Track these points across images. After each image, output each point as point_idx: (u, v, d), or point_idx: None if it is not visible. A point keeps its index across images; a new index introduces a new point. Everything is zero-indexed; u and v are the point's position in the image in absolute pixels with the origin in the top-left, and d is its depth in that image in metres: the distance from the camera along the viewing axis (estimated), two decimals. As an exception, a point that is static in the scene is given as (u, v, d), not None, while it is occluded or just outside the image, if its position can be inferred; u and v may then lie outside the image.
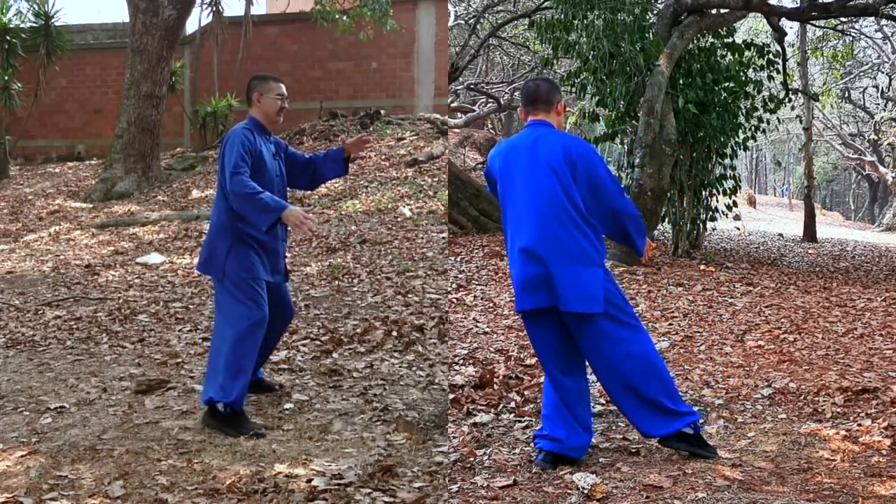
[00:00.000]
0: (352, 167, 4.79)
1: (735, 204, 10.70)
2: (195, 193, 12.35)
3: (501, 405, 4.22)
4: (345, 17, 15.25)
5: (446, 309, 6.26)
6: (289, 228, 4.04)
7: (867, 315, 6.75)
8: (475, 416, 4.04)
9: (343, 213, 10.10)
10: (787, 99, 11.66)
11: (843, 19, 14.23)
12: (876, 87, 25.93)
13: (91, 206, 12.37)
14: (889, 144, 28.57)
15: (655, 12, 10.73)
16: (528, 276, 3.38)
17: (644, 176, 9.38)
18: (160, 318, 6.19)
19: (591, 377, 3.68)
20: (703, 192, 10.56)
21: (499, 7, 17.51)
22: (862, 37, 20.97)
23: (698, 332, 6.12)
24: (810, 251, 14.73)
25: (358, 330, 5.51)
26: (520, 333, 5.66)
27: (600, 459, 3.47)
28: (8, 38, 15.36)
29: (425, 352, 5.04)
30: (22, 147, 17.28)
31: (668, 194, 10.03)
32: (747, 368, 5.05)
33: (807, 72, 17.49)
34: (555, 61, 11.10)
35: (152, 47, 12.82)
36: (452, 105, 20.00)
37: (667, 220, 10.52)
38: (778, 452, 3.56)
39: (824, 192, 47.48)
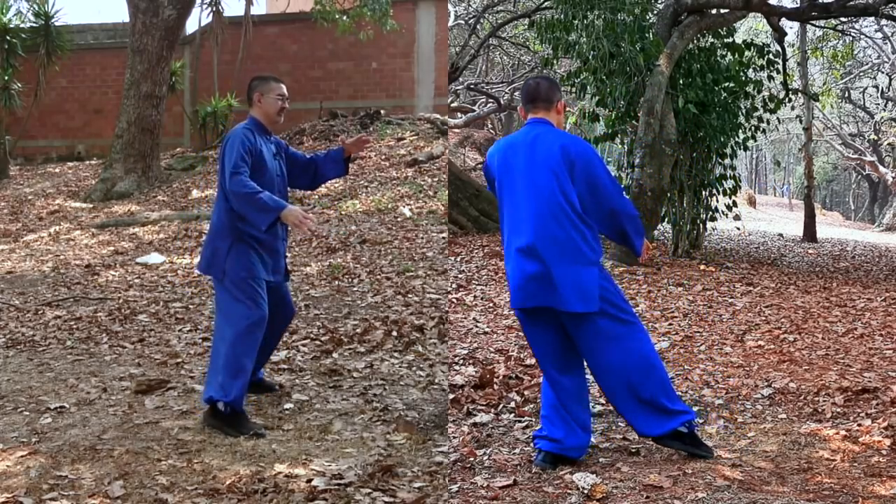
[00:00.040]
0: (352, 167, 4.80)
1: (735, 204, 10.70)
2: (195, 193, 12.35)
3: (501, 405, 4.22)
4: (345, 17, 15.25)
5: (446, 309, 6.26)
6: (289, 228, 4.04)
7: (867, 315, 6.75)
8: (475, 416, 4.04)
9: (343, 213, 10.11)
10: (787, 99, 11.66)
11: (843, 19, 14.23)
12: (876, 87, 25.93)
13: (91, 206, 12.37)
14: (889, 144, 28.57)
15: (655, 12, 10.74)
16: (526, 275, 3.38)
17: (644, 176, 9.39)
18: (160, 318, 6.19)
19: (591, 377, 3.68)
20: (703, 192, 10.56)
21: (499, 7, 17.51)
22: (862, 37, 20.97)
23: (698, 332, 6.12)
24: (810, 251, 14.73)
25: (358, 330, 5.51)
26: (520, 333, 5.66)
27: (600, 459, 3.47)
28: (8, 38, 15.36)
29: (425, 352, 5.04)
30: (22, 147, 17.29)
31: (668, 194, 10.03)
32: (747, 368, 5.05)
33: (807, 72, 17.49)
34: (555, 61, 11.11)
35: (152, 47, 12.82)
36: (452, 105, 20.00)
37: (667, 220, 10.52)
38: (778, 452, 3.56)
39: (824, 192, 47.49)
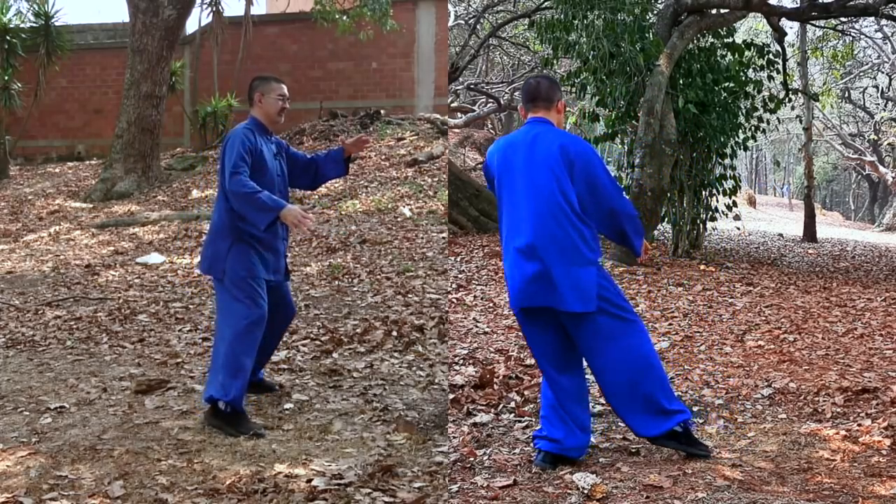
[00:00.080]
0: (352, 167, 4.80)
1: (735, 204, 10.70)
2: (195, 193, 12.35)
3: (501, 405, 4.22)
4: (345, 17, 15.25)
5: (446, 309, 6.26)
6: (290, 227, 4.05)
7: (867, 315, 6.75)
8: (475, 416, 4.04)
9: (343, 213, 10.11)
10: (787, 99, 11.66)
11: (843, 19, 14.23)
12: (876, 87, 25.93)
13: (91, 206, 12.37)
14: (889, 144, 28.57)
15: (655, 12, 10.74)
16: (525, 275, 3.37)
17: (644, 176, 9.39)
18: (160, 318, 6.19)
19: (590, 377, 3.68)
20: (703, 192, 10.56)
21: (499, 7, 17.51)
22: (862, 37, 20.97)
23: (698, 332, 6.12)
24: (810, 251, 14.73)
25: (358, 330, 5.51)
26: (520, 333, 5.66)
27: (600, 459, 3.47)
28: (8, 38, 15.36)
29: (425, 352, 5.04)
30: (22, 147, 17.29)
31: (668, 194, 10.03)
32: (747, 368, 5.05)
33: (807, 72, 17.49)
34: (555, 61, 11.11)
35: (152, 47, 12.82)
36: (452, 105, 20.00)
37: (667, 220, 10.52)
38: (778, 452, 3.56)
39: (824, 192, 47.49)
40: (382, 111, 15.35)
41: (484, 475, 3.26)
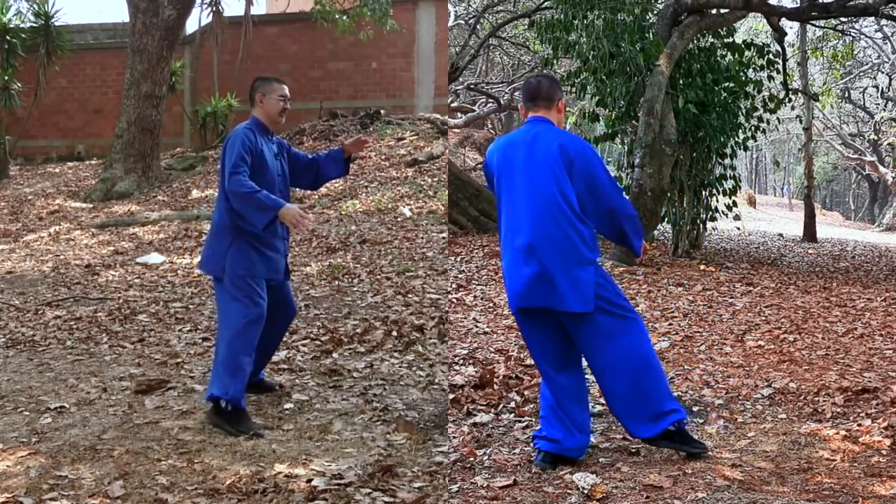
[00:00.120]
0: (352, 167, 4.81)
1: (735, 204, 10.70)
2: (195, 193, 12.35)
3: (501, 405, 4.22)
4: (345, 17, 15.25)
5: (446, 309, 6.26)
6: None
7: (867, 315, 6.75)
8: (475, 416, 4.04)
9: (343, 213, 10.11)
10: (787, 99, 11.65)
11: (843, 19, 14.23)
12: (876, 87, 25.93)
13: (91, 206, 12.37)
14: (889, 144, 28.56)
15: (655, 12, 10.73)
16: (524, 275, 3.37)
17: (644, 176, 9.39)
18: (160, 318, 6.19)
19: (590, 377, 3.68)
20: (703, 192, 10.56)
21: (499, 7, 17.50)
22: (862, 37, 20.97)
23: (698, 332, 6.12)
24: (810, 251, 14.73)
25: (358, 330, 5.51)
26: (520, 333, 5.65)
27: (600, 459, 3.47)
28: (8, 38, 15.36)
29: (425, 352, 5.04)
30: (22, 147, 17.29)
31: (668, 194, 10.03)
32: (747, 368, 5.05)
33: (807, 72, 17.49)
34: (555, 61, 11.11)
35: (152, 47, 12.82)
36: (452, 105, 19.99)
37: (667, 220, 10.52)
38: (778, 452, 3.56)
39: (824, 192, 47.48)
40: (382, 111, 15.35)
41: (484, 475, 3.26)
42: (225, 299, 3.95)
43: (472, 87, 20.71)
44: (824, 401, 4.29)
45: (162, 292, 7.09)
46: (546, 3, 13.66)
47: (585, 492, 3.03)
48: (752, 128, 10.85)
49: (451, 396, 4.25)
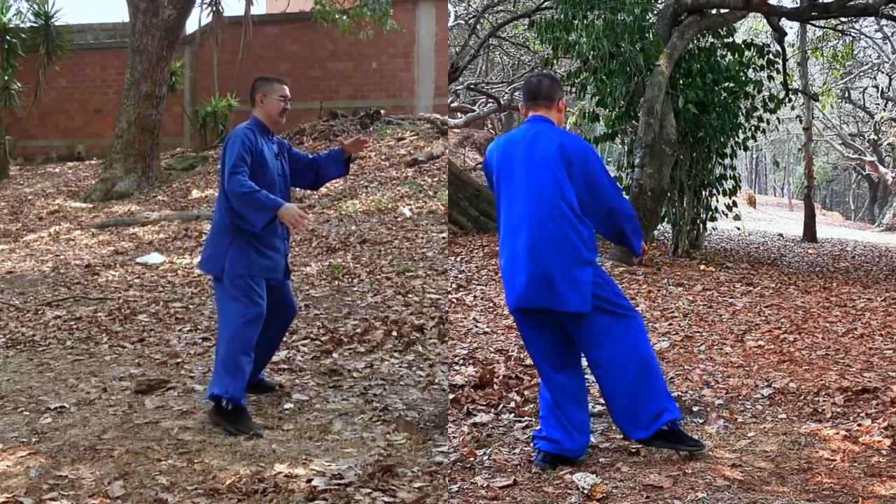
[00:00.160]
0: (352, 167, 4.81)
1: (735, 204, 10.70)
2: (195, 193, 12.35)
3: (501, 405, 4.22)
4: (345, 17, 15.25)
5: (446, 309, 6.26)
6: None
7: (867, 315, 6.75)
8: (475, 416, 4.04)
9: (343, 213, 10.11)
10: (787, 99, 11.65)
11: (843, 19, 14.23)
12: (876, 87, 25.92)
13: (91, 206, 12.38)
14: (889, 144, 28.56)
15: (655, 12, 10.73)
16: (523, 275, 3.37)
17: (644, 176, 9.39)
18: (160, 318, 6.19)
19: (590, 377, 3.68)
20: (703, 192, 10.56)
21: (499, 7, 17.50)
22: (862, 37, 20.96)
23: (698, 332, 6.12)
24: (810, 251, 14.73)
25: (358, 330, 5.51)
26: (520, 333, 5.66)
27: (600, 459, 3.47)
28: (8, 38, 15.36)
29: (425, 352, 5.04)
30: (22, 147, 17.29)
31: (668, 194, 10.03)
32: (747, 368, 5.05)
33: (807, 72, 17.48)
34: (555, 61, 11.10)
35: (152, 47, 12.82)
36: (452, 105, 19.99)
37: (667, 220, 10.52)
38: (778, 452, 3.56)
39: (824, 192, 47.47)
40: (382, 111, 15.35)
41: (484, 475, 3.27)
42: (224, 299, 3.96)
43: (472, 87, 20.71)
44: (824, 401, 4.29)
45: (162, 292, 7.09)
46: (546, 3, 13.66)
47: (585, 492, 3.03)
48: (752, 128, 10.85)
49: (451, 396, 4.25)
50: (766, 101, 10.86)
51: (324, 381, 4.54)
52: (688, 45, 10.13)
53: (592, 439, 3.61)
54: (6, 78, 15.14)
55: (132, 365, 5.00)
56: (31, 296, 7.20)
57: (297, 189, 5.38)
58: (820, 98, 18.40)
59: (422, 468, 3.30)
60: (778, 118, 11.69)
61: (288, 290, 4.29)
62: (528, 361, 4.92)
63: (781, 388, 4.54)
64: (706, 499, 2.95)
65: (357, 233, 8.91)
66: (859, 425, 3.86)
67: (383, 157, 12.86)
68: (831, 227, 26.10)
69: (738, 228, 15.09)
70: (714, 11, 10.42)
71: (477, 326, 6.03)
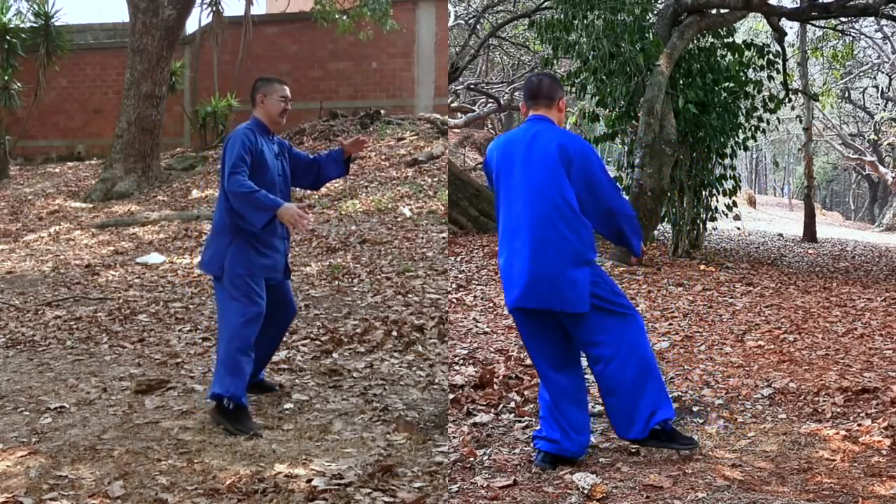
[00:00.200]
0: (352, 167, 4.82)
1: (735, 204, 10.70)
2: (195, 193, 12.35)
3: (501, 405, 4.22)
4: (345, 17, 15.25)
5: (446, 309, 6.26)
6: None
7: (867, 315, 6.75)
8: (475, 416, 4.04)
9: (343, 213, 10.11)
10: (787, 99, 11.65)
11: (843, 19, 14.23)
12: (876, 87, 25.92)
13: (91, 206, 12.38)
14: (889, 144, 28.56)
15: (655, 12, 10.74)
16: (522, 276, 3.37)
17: (644, 176, 9.39)
18: (160, 318, 6.19)
19: (590, 377, 3.68)
20: (703, 192, 10.56)
21: (499, 7, 17.50)
22: (862, 37, 20.96)
23: (698, 332, 6.12)
24: (810, 251, 14.73)
25: (358, 330, 5.51)
26: (519, 333, 5.66)
27: (600, 459, 3.47)
28: (8, 38, 15.35)
29: (425, 352, 5.04)
30: (22, 147, 17.29)
31: (668, 194, 10.03)
32: (747, 368, 5.05)
33: (807, 72, 17.48)
34: (555, 61, 11.10)
35: (152, 47, 12.83)
36: (452, 105, 19.99)
37: (667, 220, 10.53)
38: (778, 452, 3.56)
39: (824, 192, 47.47)
40: (382, 111, 15.35)
41: (484, 475, 3.27)
42: (224, 299, 3.97)
43: (472, 87, 20.72)
44: (824, 401, 4.29)
45: (162, 292, 7.09)
46: (546, 3, 13.66)
47: (585, 492, 3.03)
48: (752, 128, 10.85)
49: (451, 396, 4.25)
50: (766, 101, 10.86)
51: (324, 381, 4.54)
52: (688, 45, 10.14)
53: (592, 439, 3.61)
54: (6, 78, 15.14)
55: (132, 365, 5.00)
56: (31, 296, 7.20)
57: (297, 189, 5.38)
58: (820, 98, 18.40)
59: (422, 468, 3.30)
60: (778, 118, 11.69)
61: (288, 290, 4.30)
62: (528, 361, 4.92)
63: (781, 388, 4.54)
64: (706, 499, 2.95)
65: (357, 233, 8.91)
66: (859, 425, 3.86)
67: (383, 157, 12.86)
68: (831, 227, 26.10)
69: (738, 228, 15.09)
70: (714, 11, 10.42)
71: (477, 326, 6.03)
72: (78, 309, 6.60)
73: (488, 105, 20.76)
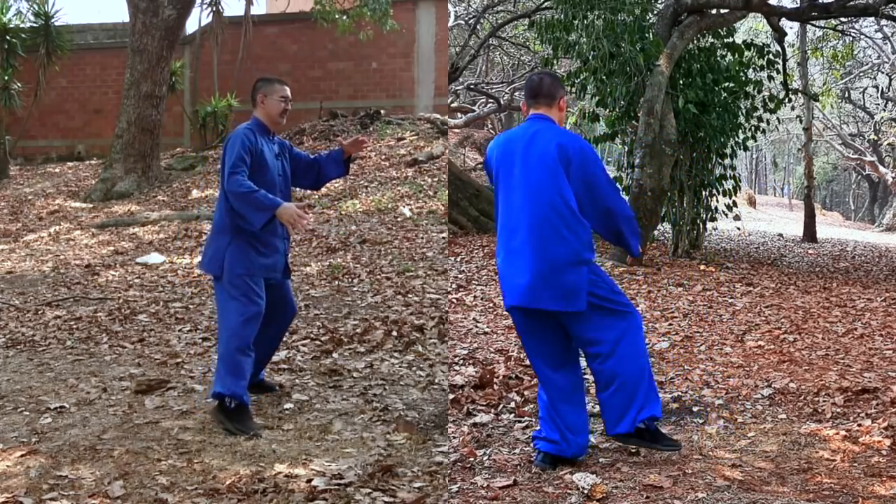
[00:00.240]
0: (352, 167, 4.82)
1: (735, 204, 10.70)
2: (195, 193, 12.35)
3: (501, 405, 4.22)
4: (345, 17, 15.25)
5: (446, 309, 6.26)
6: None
7: (867, 315, 6.75)
8: (475, 416, 4.05)
9: (343, 213, 10.11)
10: (787, 99, 11.65)
11: (843, 19, 14.23)
12: (876, 87, 25.92)
13: (91, 206, 12.38)
14: (889, 144, 28.56)
15: (655, 12, 10.74)
16: (520, 275, 3.36)
17: (644, 176, 9.38)
18: (160, 318, 6.19)
19: (589, 377, 3.68)
20: (703, 192, 10.56)
21: (499, 7, 17.51)
22: (862, 37, 20.96)
23: (698, 332, 6.12)
24: (810, 251, 14.73)
25: (358, 330, 5.51)
26: (517, 332, 5.65)
27: (600, 459, 3.47)
28: (8, 38, 15.35)
29: (425, 352, 5.04)
30: (22, 147, 17.29)
31: (668, 194, 10.03)
32: (747, 368, 5.05)
33: (807, 72, 17.49)
34: (555, 61, 11.10)
35: (152, 47, 12.82)
36: (452, 105, 19.99)
37: (667, 220, 10.53)
38: (778, 452, 3.56)
39: (824, 192, 47.46)
40: (382, 111, 15.35)
41: (484, 475, 3.27)
42: (224, 298, 3.97)
43: (472, 87, 20.72)
44: (824, 401, 4.29)
45: (162, 292, 7.09)
46: (546, 3, 13.67)
47: (585, 492, 3.03)
48: (752, 128, 10.85)
49: (451, 396, 4.25)
50: (766, 101, 10.86)
51: (324, 381, 4.54)
52: (688, 45, 10.13)
53: (592, 439, 3.61)
54: (6, 78, 15.14)
55: (132, 365, 5.00)
56: (31, 296, 7.20)
57: (298, 189, 5.38)
58: (820, 98, 18.40)
59: (422, 468, 3.30)
60: (778, 118, 11.69)
61: (288, 290, 4.30)
62: (528, 361, 4.92)
63: (781, 389, 4.54)
64: (706, 499, 2.95)
65: (357, 233, 8.91)
66: (859, 425, 3.86)
67: (383, 157, 12.86)
68: (831, 227, 26.10)
69: (738, 228, 15.09)
70: (714, 11, 10.42)
71: (477, 326, 6.03)
72: (78, 309, 6.60)
73: (488, 105, 20.77)
